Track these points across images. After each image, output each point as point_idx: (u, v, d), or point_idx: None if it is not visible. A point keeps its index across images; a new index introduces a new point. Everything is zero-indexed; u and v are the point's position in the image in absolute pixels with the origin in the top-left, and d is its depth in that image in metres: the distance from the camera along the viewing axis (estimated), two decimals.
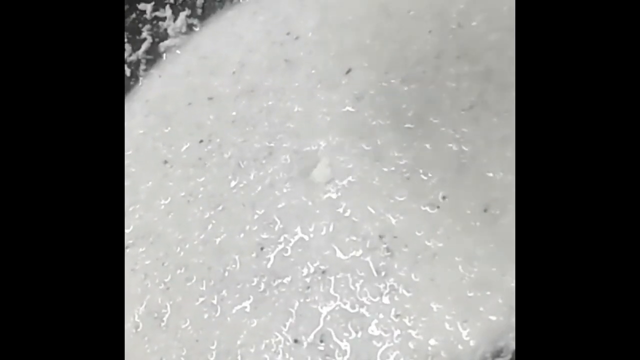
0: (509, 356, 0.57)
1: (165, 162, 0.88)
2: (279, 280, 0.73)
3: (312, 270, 0.72)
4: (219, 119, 0.89)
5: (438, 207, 0.70)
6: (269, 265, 0.74)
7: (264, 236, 0.76)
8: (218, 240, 0.78)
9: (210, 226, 0.80)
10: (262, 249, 0.75)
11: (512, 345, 0.58)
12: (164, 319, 0.75)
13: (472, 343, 0.61)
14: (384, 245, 0.69)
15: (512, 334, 0.58)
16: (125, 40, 1.00)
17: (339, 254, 0.71)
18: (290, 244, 0.74)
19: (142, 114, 0.94)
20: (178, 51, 1.01)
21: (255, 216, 0.78)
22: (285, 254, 0.74)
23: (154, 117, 0.93)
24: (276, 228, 0.76)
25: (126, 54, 1.00)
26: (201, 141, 0.87)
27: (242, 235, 0.77)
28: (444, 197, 0.70)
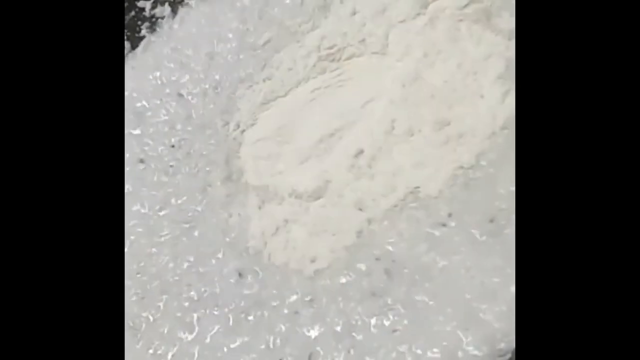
0: (509, 355, 0.56)
1: (142, 161, 0.84)
2: (262, 304, 0.67)
3: (299, 296, 0.66)
4: (188, 120, 0.85)
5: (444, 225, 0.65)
6: (250, 291, 0.69)
7: (239, 263, 0.71)
8: (190, 259, 0.73)
9: (181, 243, 0.75)
10: (240, 275, 0.70)
11: (512, 344, 0.56)
12: (140, 329, 0.71)
13: (472, 351, 0.58)
14: (383, 267, 0.65)
15: (512, 336, 0.56)
16: (125, 38, 0.98)
17: (330, 278, 0.66)
18: (271, 271, 0.69)
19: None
20: (153, 38, 0.97)
21: (227, 239, 0.73)
22: (269, 282, 0.68)
23: (127, 112, 0.88)
24: (252, 252, 0.71)
25: (125, 52, 0.97)
26: (173, 146, 0.84)
27: (214, 260, 0.72)
28: (449, 215, 0.66)
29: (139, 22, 0.99)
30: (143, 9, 0.99)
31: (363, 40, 0.83)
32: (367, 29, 0.83)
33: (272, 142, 0.80)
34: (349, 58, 0.83)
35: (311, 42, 0.85)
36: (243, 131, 0.83)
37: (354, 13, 0.85)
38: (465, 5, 0.77)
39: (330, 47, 0.84)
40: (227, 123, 0.84)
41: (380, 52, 0.81)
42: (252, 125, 0.83)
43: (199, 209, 0.77)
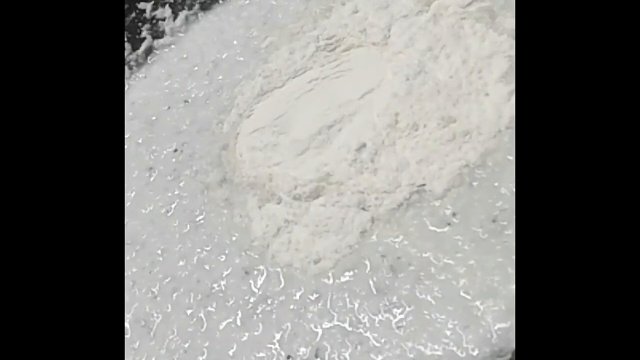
0: (509, 356, 0.55)
1: (150, 168, 0.84)
2: (270, 301, 0.66)
3: (306, 292, 0.65)
4: (192, 125, 0.86)
5: (449, 223, 0.64)
6: (257, 288, 0.68)
7: (245, 261, 0.70)
8: (198, 257, 0.73)
9: (189, 243, 0.75)
10: (246, 273, 0.69)
11: (512, 344, 0.55)
12: (152, 327, 0.70)
13: (472, 350, 0.56)
14: (388, 264, 0.63)
15: (512, 335, 0.55)
16: (125, 39, 0.97)
17: (336, 276, 0.65)
18: (278, 269, 0.68)
19: (128, 117, 0.91)
20: (167, 49, 0.98)
21: (234, 238, 0.72)
22: (274, 280, 0.67)
23: (137, 120, 0.90)
24: (256, 255, 0.70)
25: (126, 53, 0.97)
26: (176, 150, 0.84)
27: (222, 258, 0.72)
28: (454, 214, 0.64)
29: (140, 24, 0.98)
30: (144, 11, 0.98)
31: (364, 30, 0.80)
32: (368, 21, 0.81)
33: (268, 133, 0.78)
34: (348, 49, 0.81)
35: (310, 33, 0.84)
36: (234, 123, 0.82)
37: (356, 11, 0.83)
38: (469, 4, 0.75)
39: (329, 38, 0.82)
40: (222, 122, 0.83)
41: (381, 43, 0.79)
42: (249, 116, 0.81)
43: (203, 208, 0.76)
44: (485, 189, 0.64)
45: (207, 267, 0.72)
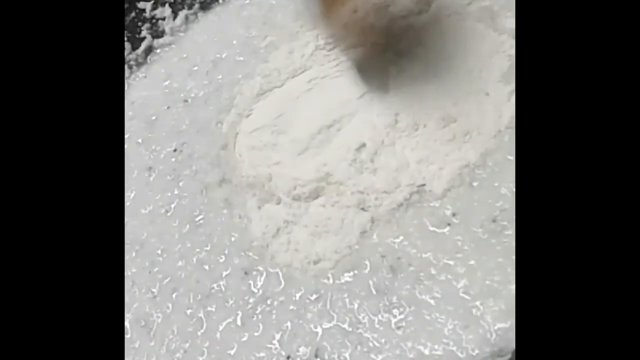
0: (509, 356, 0.55)
1: (150, 168, 0.84)
2: (269, 301, 0.66)
3: (306, 293, 0.65)
4: (191, 125, 0.85)
5: (449, 224, 0.64)
6: (256, 289, 0.68)
7: (244, 262, 0.70)
8: (198, 257, 0.73)
9: (188, 243, 0.74)
10: (246, 273, 0.69)
11: (512, 344, 0.55)
12: (152, 327, 0.70)
13: (472, 350, 0.57)
14: (388, 264, 0.64)
15: (512, 334, 0.55)
16: (125, 39, 0.96)
17: (336, 276, 0.65)
18: (277, 270, 0.68)
19: (127, 116, 0.91)
20: (167, 49, 0.98)
21: (233, 239, 0.72)
22: (274, 280, 0.67)
23: (137, 120, 0.90)
24: (256, 255, 0.70)
25: (125, 53, 0.96)
26: (175, 150, 0.84)
27: (222, 258, 0.72)
28: (454, 214, 0.64)
29: (139, 23, 0.98)
30: (143, 10, 0.98)
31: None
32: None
33: (267, 132, 0.77)
34: (347, 48, 0.81)
35: (310, 33, 0.84)
36: (233, 122, 0.82)
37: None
38: (469, 4, 0.75)
39: (329, 37, 0.82)
40: (221, 121, 0.83)
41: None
42: (248, 116, 0.81)
43: (202, 208, 0.76)
44: (485, 189, 0.64)
45: (206, 267, 0.72)
